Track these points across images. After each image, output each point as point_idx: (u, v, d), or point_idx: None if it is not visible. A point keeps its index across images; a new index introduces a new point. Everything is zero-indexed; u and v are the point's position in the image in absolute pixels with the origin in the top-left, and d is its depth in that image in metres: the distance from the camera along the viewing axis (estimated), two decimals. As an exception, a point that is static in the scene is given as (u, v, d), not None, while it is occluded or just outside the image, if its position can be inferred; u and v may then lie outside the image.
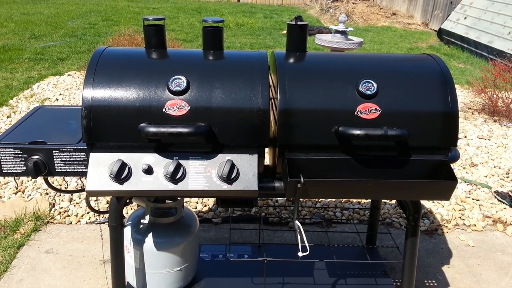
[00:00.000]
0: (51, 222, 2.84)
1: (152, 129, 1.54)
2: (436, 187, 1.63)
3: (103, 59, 1.69)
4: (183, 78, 1.63)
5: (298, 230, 1.66)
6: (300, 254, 1.66)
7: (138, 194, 1.62)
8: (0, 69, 6.17)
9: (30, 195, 3.09)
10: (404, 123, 1.63)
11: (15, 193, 3.11)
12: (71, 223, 2.84)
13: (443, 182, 1.62)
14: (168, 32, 8.52)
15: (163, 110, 1.60)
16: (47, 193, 3.09)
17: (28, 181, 3.24)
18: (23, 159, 1.69)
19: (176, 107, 1.60)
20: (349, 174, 1.63)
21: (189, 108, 1.60)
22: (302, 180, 1.55)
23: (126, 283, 2.01)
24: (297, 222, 1.66)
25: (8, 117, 4.44)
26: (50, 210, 2.93)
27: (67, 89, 5.33)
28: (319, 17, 12.14)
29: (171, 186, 1.60)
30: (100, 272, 2.41)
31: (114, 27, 9.35)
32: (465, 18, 8.70)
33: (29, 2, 12.75)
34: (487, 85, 5.10)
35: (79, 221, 2.86)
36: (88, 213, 2.91)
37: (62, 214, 2.90)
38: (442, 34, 9.44)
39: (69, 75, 5.95)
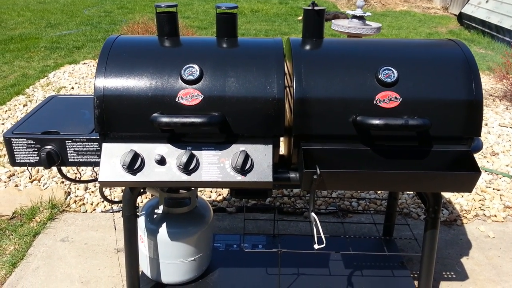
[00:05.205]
0: (67, 211, 2.86)
1: (165, 119, 1.51)
2: (458, 179, 1.57)
3: (115, 48, 1.65)
4: (196, 67, 1.59)
5: (314, 222, 1.62)
6: (316, 246, 1.63)
7: (151, 185, 1.60)
8: (16, 58, 6.23)
9: (46, 183, 3.12)
10: (425, 112, 1.56)
11: (31, 182, 3.14)
12: (86, 211, 2.86)
13: (466, 174, 1.56)
14: (183, 19, 8.48)
15: (176, 100, 1.56)
16: (62, 182, 3.11)
17: (44, 169, 3.26)
18: (36, 149, 1.68)
19: (189, 96, 1.57)
20: (367, 165, 1.58)
21: (202, 97, 1.57)
22: (318, 171, 1.50)
23: (140, 273, 2.01)
24: (313, 214, 1.62)
25: (24, 105, 4.47)
26: (66, 198, 2.95)
27: (83, 78, 5.34)
28: (336, 2, 11.92)
29: (184, 177, 1.57)
30: (115, 260, 2.42)
31: (129, 15, 9.35)
32: (486, 1, 8.43)
33: (45, -9, 12.81)
34: (510, 71, 4.94)
35: (94, 209, 2.88)
36: (103, 201, 2.92)
37: (78, 203, 2.92)
38: (462, 18, 9.17)
39: (84, 63, 5.97)
